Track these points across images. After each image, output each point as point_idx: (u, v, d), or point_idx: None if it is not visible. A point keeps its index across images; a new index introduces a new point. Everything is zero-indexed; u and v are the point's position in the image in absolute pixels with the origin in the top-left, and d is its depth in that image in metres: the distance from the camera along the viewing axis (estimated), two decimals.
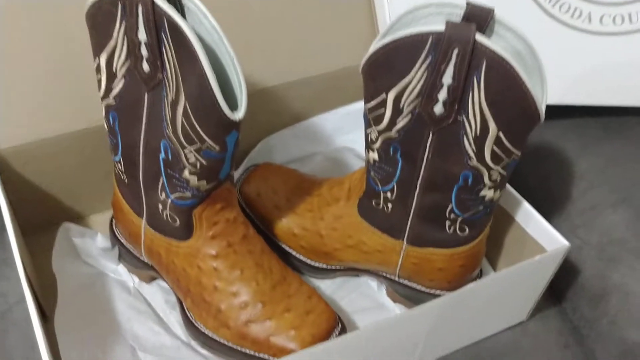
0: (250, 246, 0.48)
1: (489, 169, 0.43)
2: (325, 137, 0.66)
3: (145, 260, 0.52)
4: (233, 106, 0.40)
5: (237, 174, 0.60)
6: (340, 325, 0.48)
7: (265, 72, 0.59)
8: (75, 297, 0.51)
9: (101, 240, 0.57)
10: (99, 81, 0.44)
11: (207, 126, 0.40)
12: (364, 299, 0.54)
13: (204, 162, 0.42)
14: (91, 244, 0.55)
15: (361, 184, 0.52)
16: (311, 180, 0.59)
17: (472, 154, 0.42)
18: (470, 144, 0.41)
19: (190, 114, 0.39)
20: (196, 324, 0.49)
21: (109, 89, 0.44)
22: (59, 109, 0.54)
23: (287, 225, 0.56)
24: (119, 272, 0.56)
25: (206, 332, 0.49)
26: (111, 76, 0.43)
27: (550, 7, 0.60)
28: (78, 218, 0.61)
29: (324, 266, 0.55)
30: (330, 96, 0.68)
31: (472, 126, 0.41)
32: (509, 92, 0.38)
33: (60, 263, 0.53)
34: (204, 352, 0.50)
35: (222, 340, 0.48)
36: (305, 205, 0.56)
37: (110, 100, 0.44)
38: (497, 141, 0.41)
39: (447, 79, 0.40)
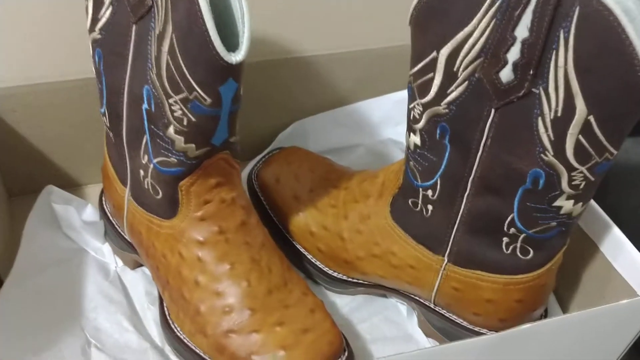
0: (248, 237, 0.40)
1: (570, 168, 0.33)
2: (370, 127, 0.61)
3: (129, 239, 0.45)
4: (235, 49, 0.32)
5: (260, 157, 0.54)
6: (347, 353, 0.39)
7: (305, 38, 0.54)
8: (41, 271, 0.45)
9: (90, 213, 0.50)
10: (86, 9, 0.37)
11: (195, 68, 0.32)
12: (389, 326, 0.47)
13: (192, 118, 0.35)
14: (75, 215, 0.49)
15: (397, 178, 0.43)
16: (342, 170, 0.51)
17: (547, 145, 0.32)
18: (546, 129, 0.31)
19: (177, 50, 0.32)
20: (172, 325, 0.42)
21: (95, 19, 0.37)
22: (60, 53, 0.48)
23: (304, 221, 0.48)
24: (103, 251, 0.49)
25: (181, 337, 0.41)
26: (98, 1, 0.36)
27: None
28: (73, 186, 0.56)
29: (344, 277, 0.48)
30: (383, 78, 0.60)
31: (551, 104, 0.31)
32: (609, 56, 0.28)
33: (33, 230, 0.46)
34: None
35: (196, 350, 0.40)
36: (328, 200, 0.48)
37: (96, 33, 0.38)
38: (586, 128, 0.31)
39: (522, 31, 0.30)
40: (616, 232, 0.42)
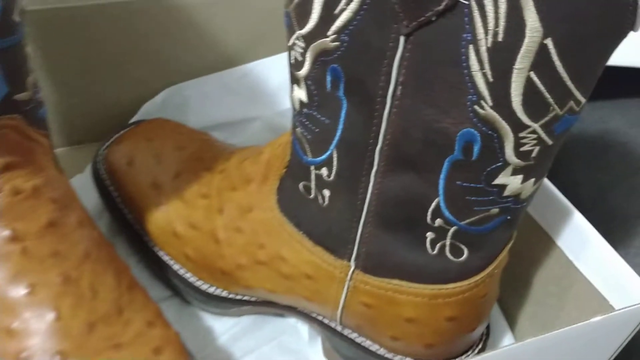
0: (60, 245, 0.31)
1: (517, 126, 0.25)
2: (269, 95, 0.53)
3: None
4: None
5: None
6: None
7: None
8: None
9: None
10: None
11: None
12: (285, 357, 0.39)
13: None
14: None
15: (285, 154, 0.33)
16: (221, 148, 0.44)
17: (483, 89, 0.23)
18: (481, 64, 0.22)
19: None
20: None
21: None
22: None
23: (166, 217, 0.39)
24: None
25: None
26: None
27: None
28: None
29: (222, 293, 0.39)
30: (284, 30, 0.50)
31: (488, 22, 0.21)
32: None
33: None
34: None
35: None
36: (199, 187, 0.40)
37: None
38: (541, 60, 0.22)
39: None
40: (579, 220, 0.35)
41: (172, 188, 0.39)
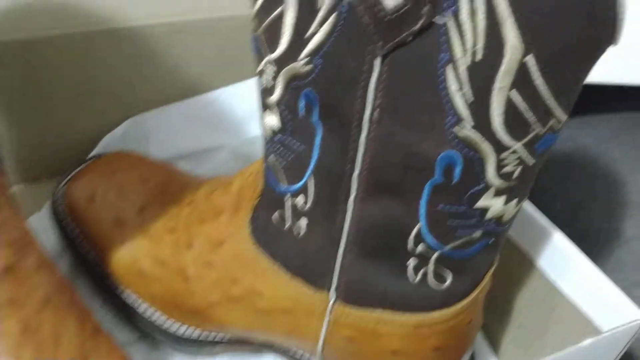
0: (18, 290, 0.29)
1: (499, 147, 0.24)
2: (235, 122, 0.52)
3: None
4: None
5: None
6: None
7: (142, 3, 0.45)
8: None
9: None
10: None
11: None
12: None
13: None
14: None
15: (257, 182, 0.32)
16: (188, 178, 0.42)
17: (463, 110, 0.22)
18: (460, 84, 0.22)
19: None
20: None
21: None
22: None
23: (131, 255, 0.38)
24: None
25: None
26: None
27: None
28: None
29: (195, 334, 0.38)
30: (248, 55, 0.50)
31: (466, 40, 0.21)
32: None
33: None
34: None
35: None
36: (165, 221, 0.38)
37: None
38: (522, 77, 0.22)
39: None
40: (559, 240, 0.35)
41: (136, 223, 0.38)
